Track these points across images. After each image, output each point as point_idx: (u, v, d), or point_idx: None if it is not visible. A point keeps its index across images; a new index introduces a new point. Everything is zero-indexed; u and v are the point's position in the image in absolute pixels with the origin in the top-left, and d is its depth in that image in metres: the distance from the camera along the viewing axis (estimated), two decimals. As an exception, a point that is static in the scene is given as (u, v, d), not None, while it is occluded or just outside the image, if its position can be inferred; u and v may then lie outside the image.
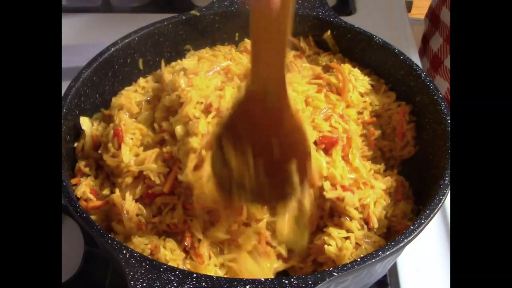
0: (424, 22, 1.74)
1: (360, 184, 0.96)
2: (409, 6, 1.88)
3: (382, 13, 1.63)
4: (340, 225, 0.94)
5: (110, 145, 0.99)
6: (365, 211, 0.95)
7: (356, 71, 1.13)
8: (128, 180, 0.95)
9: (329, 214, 0.96)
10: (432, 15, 1.68)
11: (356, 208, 0.94)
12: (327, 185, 0.94)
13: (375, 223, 0.94)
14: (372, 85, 1.14)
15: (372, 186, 0.97)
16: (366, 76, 1.15)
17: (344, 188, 0.94)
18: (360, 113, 1.11)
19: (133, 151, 0.98)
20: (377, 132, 1.09)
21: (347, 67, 1.13)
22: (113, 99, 1.09)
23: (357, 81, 1.12)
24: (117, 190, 0.95)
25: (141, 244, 0.89)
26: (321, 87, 1.11)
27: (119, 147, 0.98)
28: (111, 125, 1.02)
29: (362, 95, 1.12)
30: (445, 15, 1.60)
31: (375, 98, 1.12)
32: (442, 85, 1.63)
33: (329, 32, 1.19)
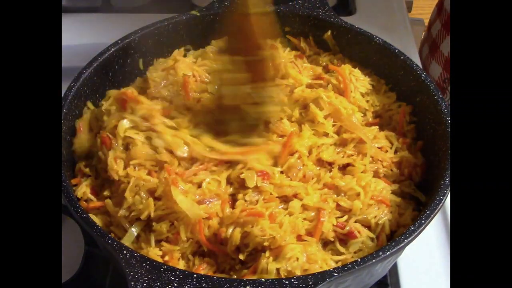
0: (433, 11, 1.74)
1: (375, 201, 0.94)
2: (409, 6, 1.88)
3: (382, 13, 1.62)
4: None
5: (100, 153, 0.98)
6: (377, 229, 0.92)
7: (357, 71, 1.13)
8: (124, 186, 0.93)
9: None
10: (440, 2, 1.68)
11: (369, 226, 0.93)
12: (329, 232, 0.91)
13: (384, 242, 0.92)
14: (372, 86, 1.14)
15: (388, 205, 0.94)
16: (366, 77, 1.14)
17: (350, 235, 0.90)
18: (363, 114, 1.10)
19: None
20: (381, 134, 1.07)
21: (347, 67, 1.13)
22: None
23: (357, 81, 1.11)
24: (108, 200, 0.94)
25: (155, 255, 0.88)
26: (322, 87, 1.11)
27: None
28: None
29: (363, 95, 1.12)
30: (448, 1, 1.60)
31: (375, 99, 1.12)
32: (436, 70, 1.63)
33: (329, 32, 1.19)
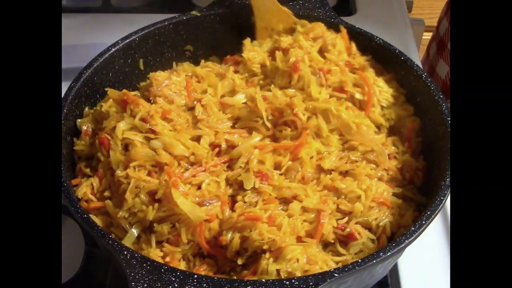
0: (442, 9, 1.74)
1: (376, 203, 0.93)
2: (409, 6, 1.88)
3: (383, 13, 1.62)
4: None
5: (99, 154, 0.98)
6: (378, 231, 0.92)
7: (380, 80, 1.08)
8: (124, 186, 0.92)
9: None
10: (449, 1, 1.68)
11: (369, 228, 0.92)
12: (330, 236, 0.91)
13: (385, 243, 0.91)
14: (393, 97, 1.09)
15: (389, 206, 0.94)
16: (390, 89, 1.09)
17: (350, 236, 0.90)
18: (377, 129, 1.05)
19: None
20: (389, 140, 1.04)
21: (371, 75, 1.07)
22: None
23: (381, 93, 1.06)
24: (108, 201, 0.93)
25: (156, 256, 0.88)
26: (341, 101, 1.04)
27: (108, 155, 0.96)
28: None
29: (382, 108, 1.07)
30: None
31: (392, 112, 1.07)
32: (444, 69, 1.62)
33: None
